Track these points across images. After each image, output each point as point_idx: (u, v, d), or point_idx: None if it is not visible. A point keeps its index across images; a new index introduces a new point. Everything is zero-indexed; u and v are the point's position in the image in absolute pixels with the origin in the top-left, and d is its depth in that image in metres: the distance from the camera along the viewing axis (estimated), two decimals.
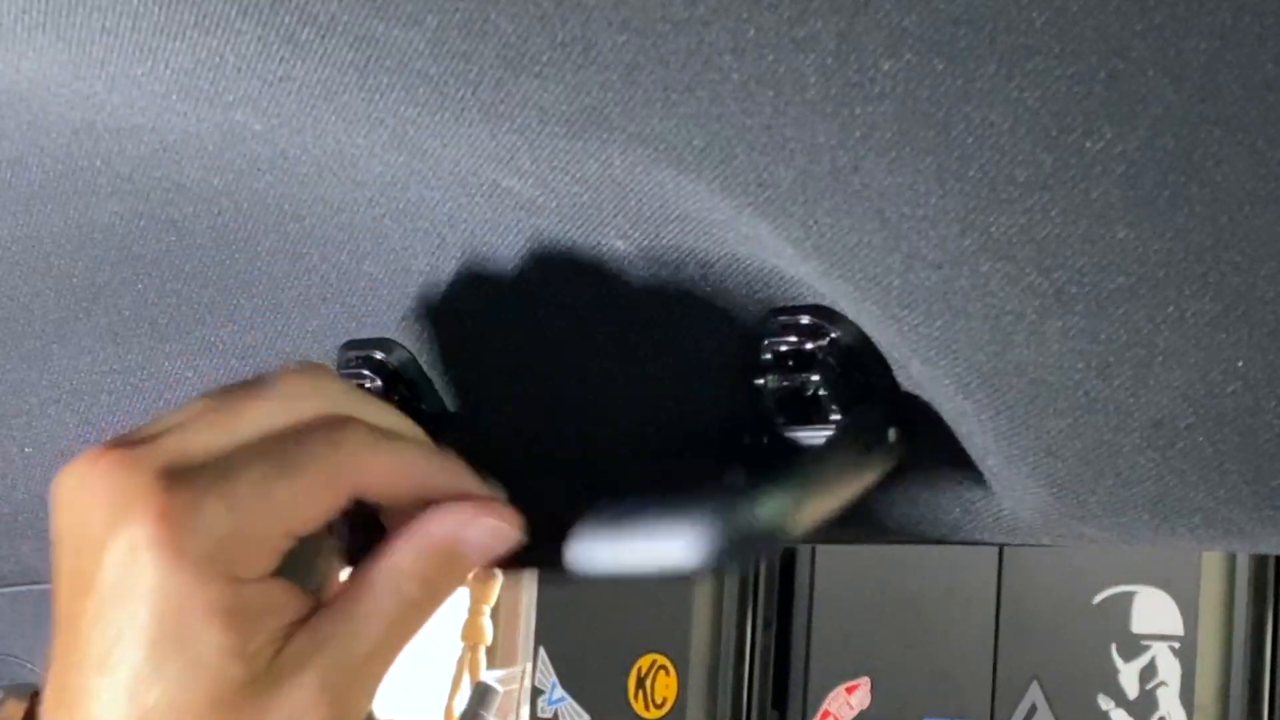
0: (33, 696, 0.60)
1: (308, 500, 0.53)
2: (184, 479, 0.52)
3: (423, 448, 0.57)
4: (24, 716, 0.60)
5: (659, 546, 0.54)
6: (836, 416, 0.56)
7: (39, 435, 0.74)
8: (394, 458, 0.56)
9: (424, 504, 0.56)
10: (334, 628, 0.54)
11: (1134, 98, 0.42)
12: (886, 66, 0.43)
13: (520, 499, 0.58)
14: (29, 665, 0.86)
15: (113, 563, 0.52)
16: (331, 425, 0.54)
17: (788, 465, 0.55)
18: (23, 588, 0.84)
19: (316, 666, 0.53)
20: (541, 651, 3.74)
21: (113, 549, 0.52)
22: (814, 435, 0.57)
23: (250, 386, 0.56)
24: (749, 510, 0.53)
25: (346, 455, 0.54)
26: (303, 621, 0.53)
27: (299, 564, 0.55)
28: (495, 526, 0.57)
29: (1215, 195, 0.45)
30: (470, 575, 0.57)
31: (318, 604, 0.54)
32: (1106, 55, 0.42)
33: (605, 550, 0.55)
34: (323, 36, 0.45)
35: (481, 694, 1.02)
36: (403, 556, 0.55)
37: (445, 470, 0.57)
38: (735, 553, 0.53)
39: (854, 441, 0.55)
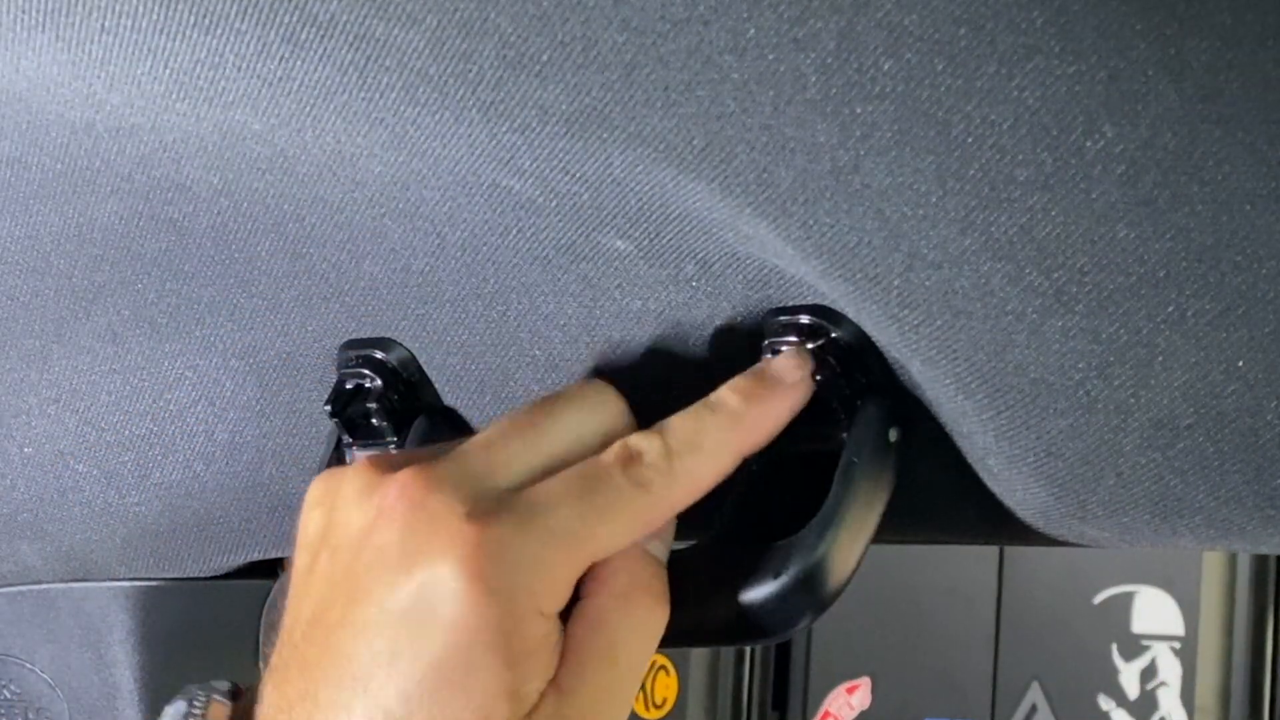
0: (233, 695, 0.59)
1: (615, 540, 0.53)
2: (496, 511, 0.52)
3: (719, 433, 0.55)
4: (231, 717, 0.59)
5: (742, 620, 0.55)
6: (837, 417, 0.56)
7: (39, 435, 0.74)
8: (701, 470, 0.55)
9: None
10: (574, 689, 0.53)
11: (1134, 97, 0.42)
12: (887, 66, 0.42)
13: None
14: (29, 665, 0.86)
15: (409, 586, 0.51)
16: (636, 458, 0.54)
17: (822, 519, 0.55)
18: (23, 588, 0.84)
19: None
20: None
21: (412, 574, 0.51)
22: (815, 435, 0.57)
23: (542, 405, 0.56)
24: (814, 568, 0.54)
25: (660, 487, 0.54)
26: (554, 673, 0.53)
27: None
28: (666, 533, 0.56)
29: (1216, 195, 0.45)
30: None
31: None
32: (1107, 55, 0.42)
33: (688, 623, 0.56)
34: (322, 36, 0.45)
35: None
36: (616, 597, 0.54)
37: (747, 432, 0.55)
38: (815, 610, 0.55)
39: (870, 468, 0.55)
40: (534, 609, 0.51)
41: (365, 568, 0.52)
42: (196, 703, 0.59)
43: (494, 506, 0.52)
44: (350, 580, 0.53)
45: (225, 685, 0.60)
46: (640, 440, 0.54)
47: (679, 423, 0.55)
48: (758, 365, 0.56)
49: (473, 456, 0.54)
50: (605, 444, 0.55)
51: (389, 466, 0.54)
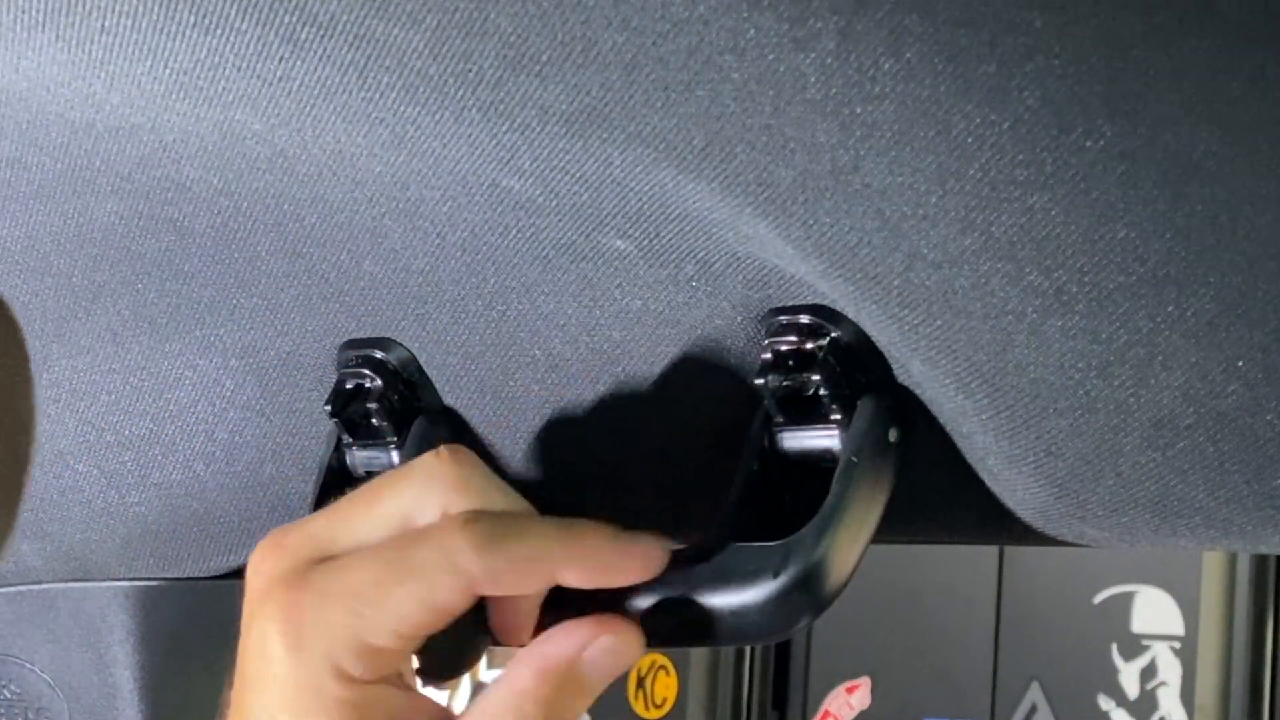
0: None
1: (424, 606, 0.53)
2: (311, 576, 0.54)
3: (546, 538, 0.55)
4: None
5: (742, 620, 0.55)
6: (837, 416, 0.56)
7: (38, 435, 0.74)
8: (512, 560, 0.54)
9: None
10: None
11: (1134, 97, 0.42)
12: (887, 66, 0.42)
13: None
14: (29, 665, 0.86)
15: (250, 652, 0.54)
16: (448, 527, 0.54)
17: (821, 518, 0.55)
18: (22, 588, 0.84)
19: None
20: None
21: (251, 637, 0.54)
22: (814, 435, 0.57)
23: (388, 476, 0.57)
24: (814, 568, 0.54)
25: (463, 559, 0.53)
26: None
27: (440, 653, 0.55)
28: (614, 645, 0.55)
29: (1216, 194, 0.45)
30: (594, 697, 0.56)
31: (445, 715, 0.55)
32: (1107, 55, 0.42)
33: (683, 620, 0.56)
34: (322, 36, 0.45)
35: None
36: (522, 679, 0.54)
37: (573, 555, 0.55)
38: (814, 610, 0.55)
39: (869, 468, 0.55)
40: (339, 672, 0.53)
41: (242, 635, 0.55)
42: None
43: (317, 574, 0.54)
44: (240, 648, 0.55)
45: None
46: (467, 515, 0.55)
47: (522, 517, 0.56)
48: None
49: (316, 527, 0.56)
50: (443, 512, 0.55)
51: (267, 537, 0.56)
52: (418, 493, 0.56)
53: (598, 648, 0.55)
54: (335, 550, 0.55)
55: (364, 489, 0.57)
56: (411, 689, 0.55)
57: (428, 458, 0.57)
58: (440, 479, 0.56)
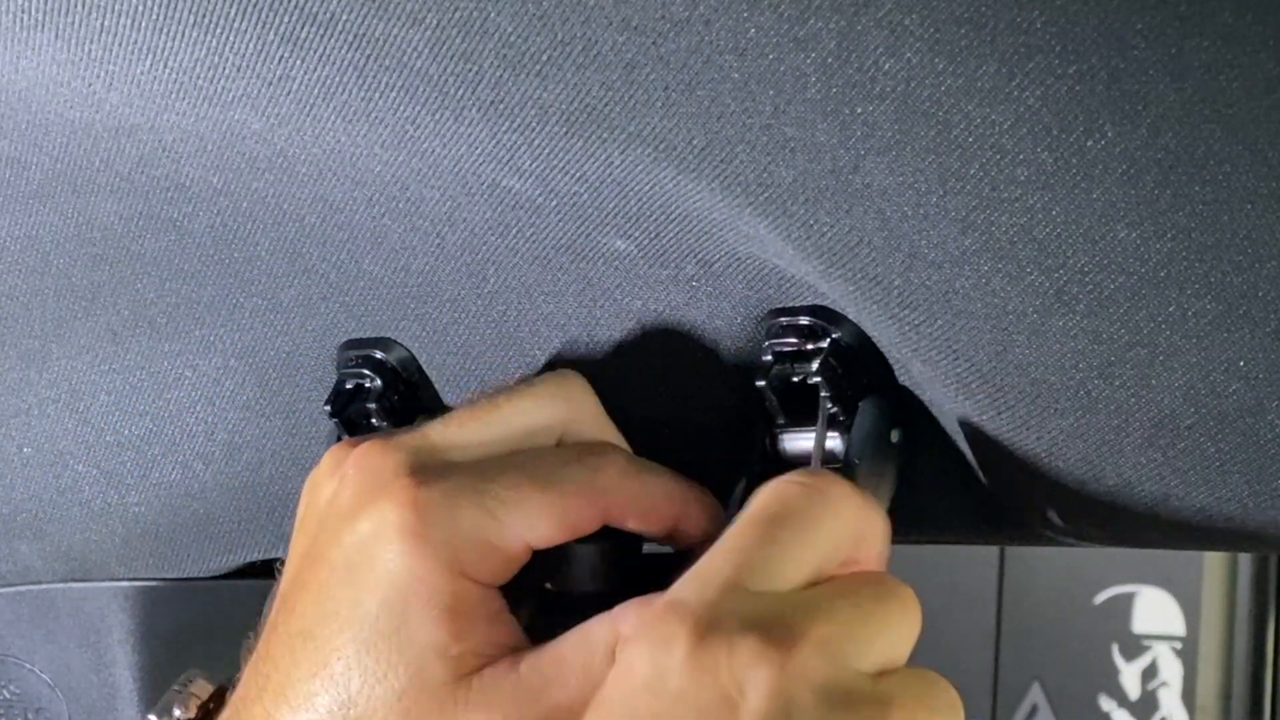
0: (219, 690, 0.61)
1: (558, 517, 0.53)
2: (441, 472, 0.53)
3: (677, 482, 0.57)
4: (211, 695, 0.61)
5: None
6: (838, 417, 0.56)
7: (38, 435, 0.74)
8: (649, 490, 0.55)
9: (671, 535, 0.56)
10: (535, 670, 0.52)
11: (1135, 97, 0.42)
12: (887, 66, 0.42)
13: None
14: (29, 665, 0.86)
15: (353, 540, 0.52)
16: (593, 450, 0.55)
17: None
18: (22, 588, 0.84)
19: (505, 704, 0.51)
20: None
21: (356, 528, 0.52)
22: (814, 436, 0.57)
23: (506, 388, 0.57)
24: None
25: (604, 480, 0.54)
26: (514, 650, 0.53)
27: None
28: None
29: (1217, 194, 0.44)
30: None
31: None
32: (1107, 54, 0.42)
33: None
34: (322, 35, 0.45)
35: None
36: (623, 622, 0.53)
37: (698, 506, 0.56)
38: None
39: (871, 469, 0.55)
40: (457, 568, 0.52)
41: (322, 529, 0.54)
42: (179, 682, 0.61)
43: (441, 471, 0.53)
44: (314, 547, 0.54)
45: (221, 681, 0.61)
46: (612, 445, 0.56)
47: (651, 462, 0.57)
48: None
49: (431, 429, 0.55)
50: (561, 433, 0.56)
51: (357, 441, 0.55)
52: (534, 405, 0.56)
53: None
54: (454, 453, 0.54)
55: (480, 401, 0.56)
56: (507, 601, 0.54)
57: (546, 376, 0.57)
58: (555, 396, 0.56)
